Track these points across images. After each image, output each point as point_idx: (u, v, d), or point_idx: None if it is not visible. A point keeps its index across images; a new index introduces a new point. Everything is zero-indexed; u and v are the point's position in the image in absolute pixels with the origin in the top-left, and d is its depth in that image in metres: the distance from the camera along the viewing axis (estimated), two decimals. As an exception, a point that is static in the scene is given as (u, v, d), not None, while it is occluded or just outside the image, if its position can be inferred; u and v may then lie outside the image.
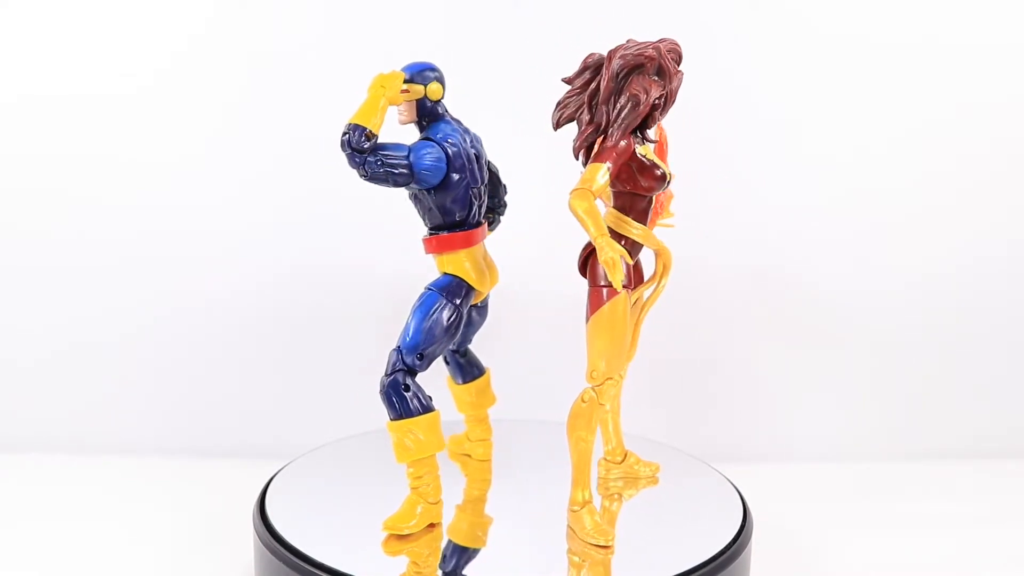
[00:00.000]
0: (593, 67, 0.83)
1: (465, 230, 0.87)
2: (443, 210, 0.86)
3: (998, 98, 1.29)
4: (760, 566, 0.90)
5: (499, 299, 0.98)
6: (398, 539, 0.83)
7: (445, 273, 0.88)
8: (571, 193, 0.78)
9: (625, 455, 0.99)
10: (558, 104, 0.85)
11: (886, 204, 1.30)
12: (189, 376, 1.29)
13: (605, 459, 0.98)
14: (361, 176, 0.82)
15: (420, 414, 0.84)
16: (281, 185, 1.27)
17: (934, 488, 1.22)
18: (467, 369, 1.00)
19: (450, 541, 0.84)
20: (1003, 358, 1.34)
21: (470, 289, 0.88)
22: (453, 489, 0.93)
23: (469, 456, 1.03)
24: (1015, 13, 1.27)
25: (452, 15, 1.26)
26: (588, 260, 0.84)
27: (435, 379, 0.92)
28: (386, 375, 0.85)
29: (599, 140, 0.83)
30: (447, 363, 1.00)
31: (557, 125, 0.86)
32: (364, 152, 0.81)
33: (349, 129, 0.81)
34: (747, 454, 1.25)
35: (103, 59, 1.24)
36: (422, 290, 0.87)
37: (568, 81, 0.84)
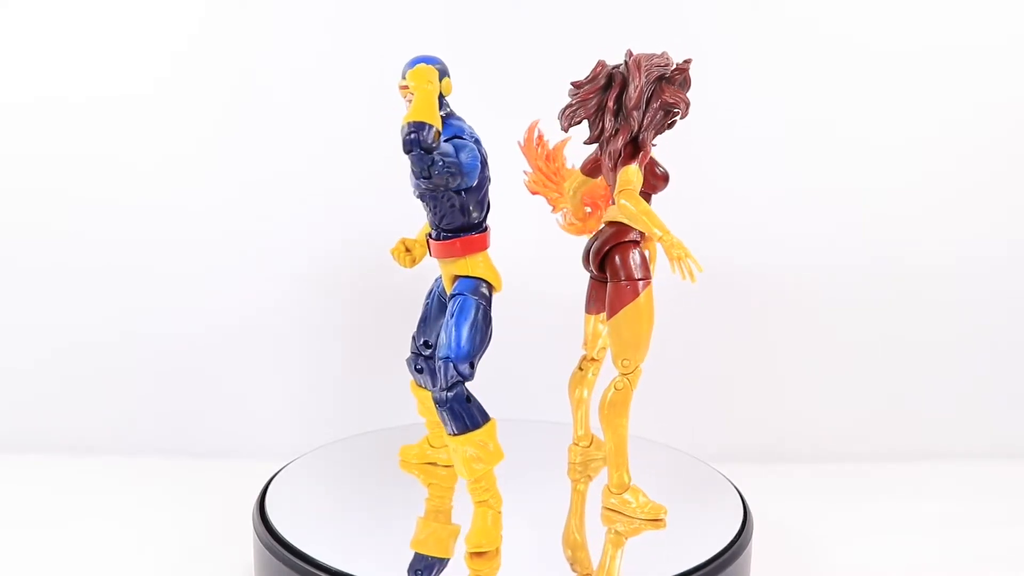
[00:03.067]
0: (606, 75, 0.85)
1: (483, 231, 0.85)
2: (466, 210, 0.83)
3: (998, 98, 1.29)
4: (760, 566, 0.90)
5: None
6: (478, 556, 0.80)
7: (467, 276, 0.85)
8: (620, 195, 0.83)
9: (591, 440, 1.03)
10: (569, 106, 0.86)
11: (886, 203, 1.30)
12: (189, 376, 1.29)
13: (576, 444, 1.02)
14: (423, 177, 0.78)
15: (485, 423, 0.82)
16: (284, 188, 1.27)
17: (934, 488, 1.22)
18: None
19: (416, 554, 0.81)
20: (1004, 358, 1.34)
21: (491, 289, 0.86)
22: (414, 501, 0.91)
23: (435, 464, 0.99)
24: (1013, 14, 1.27)
25: (453, 13, 1.26)
26: (606, 258, 0.88)
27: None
28: (444, 389, 0.80)
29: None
30: (419, 371, 0.95)
31: (568, 126, 0.87)
32: (432, 151, 0.76)
33: (415, 128, 0.75)
34: (747, 454, 1.25)
35: (102, 60, 1.24)
36: (456, 297, 0.84)
37: (579, 85, 0.86)
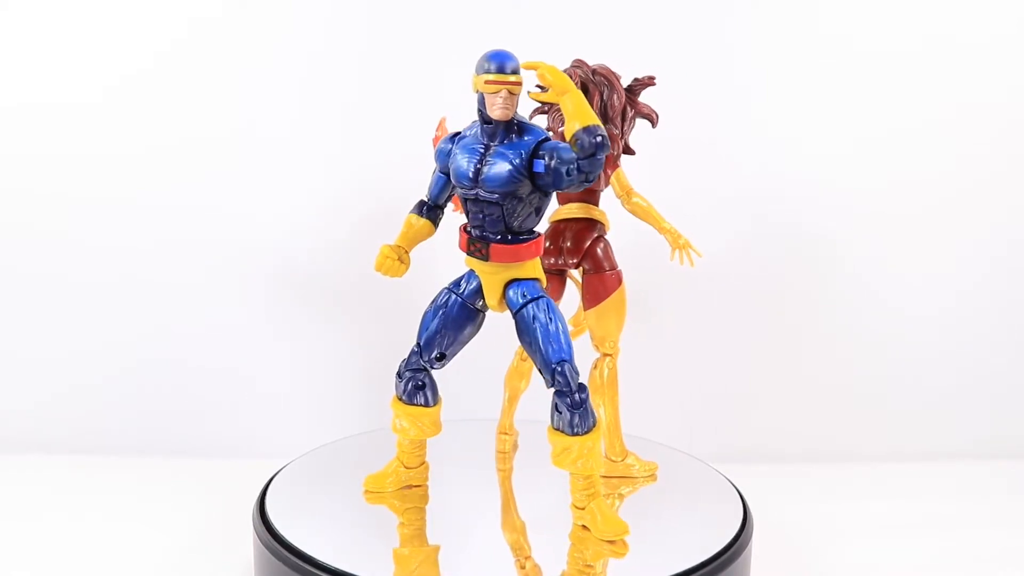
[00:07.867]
0: (580, 83, 0.91)
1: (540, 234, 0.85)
2: (540, 212, 0.82)
3: (998, 98, 1.29)
4: (760, 566, 0.90)
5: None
6: (613, 543, 0.82)
7: (530, 278, 0.84)
8: (631, 195, 0.95)
9: (514, 430, 1.08)
10: (559, 110, 0.88)
11: (888, 202, 1.30)
12: (190, 376, 1.29)
13: (506, 435, 1.06)
14: (588, 181, 0.77)
15: None
16: (284, 187, 1.27)
17: (934, 488, 1.22)
18: (436, 387, 0.92)
19: None
20: (1003, 358, 1.34)
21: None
22: (388, 533, 0.87)
23: (410, 487, 0.94)
24: (1014, 12, 1.27)
25: (450, 12, 1.26)
26: (589, 250, 0.94)
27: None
28: (574, 391, 0.80)
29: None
30: (422, 386, 0.90)
31: (559, 128, 0.91)
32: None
33: (598, 131, 0.74)
34: (747, 454, 1.25)
35: (99, 60, 1.24)
36: (538, 300, 0.82)
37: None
